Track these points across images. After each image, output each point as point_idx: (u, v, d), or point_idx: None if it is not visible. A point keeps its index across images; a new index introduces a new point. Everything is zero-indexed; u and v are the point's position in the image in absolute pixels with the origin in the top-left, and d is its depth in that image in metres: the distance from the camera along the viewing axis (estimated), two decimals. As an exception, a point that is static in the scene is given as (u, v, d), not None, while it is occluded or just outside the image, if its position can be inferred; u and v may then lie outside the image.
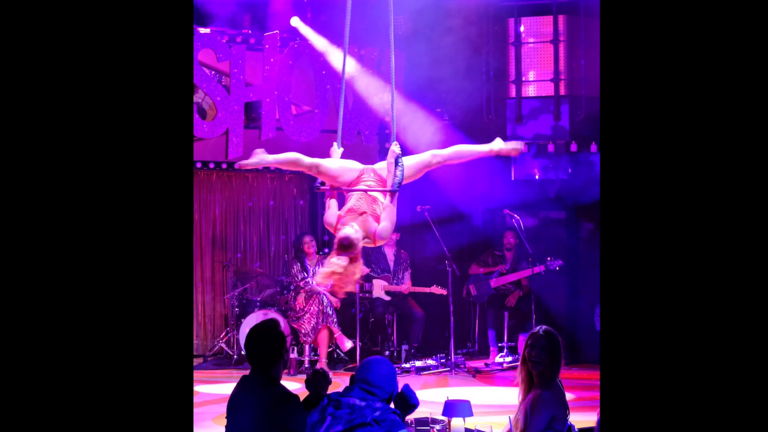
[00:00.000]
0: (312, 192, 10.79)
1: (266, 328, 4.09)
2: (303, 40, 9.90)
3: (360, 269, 4.90)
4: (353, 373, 3.77)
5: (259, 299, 9.61)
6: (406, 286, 9.71)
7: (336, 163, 5.33)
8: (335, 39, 9.88)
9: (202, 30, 9.53)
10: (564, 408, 4.11)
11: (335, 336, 9.14)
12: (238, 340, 9.36)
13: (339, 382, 7.68)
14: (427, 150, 5.38)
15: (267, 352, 3.99)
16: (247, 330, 9.22)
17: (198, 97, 9.74)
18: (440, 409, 5.18)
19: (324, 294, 9.17)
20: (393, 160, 5.04)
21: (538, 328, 4.29)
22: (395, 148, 5.09)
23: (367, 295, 9.63)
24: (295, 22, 9.86)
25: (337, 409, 3.48)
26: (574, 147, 9.97)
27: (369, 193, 5.03)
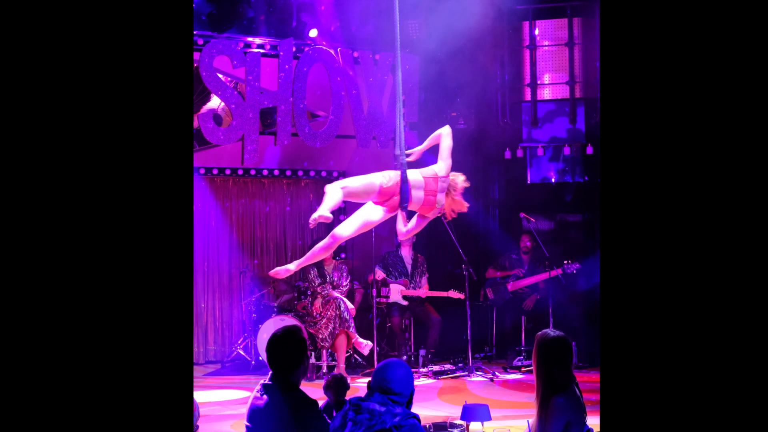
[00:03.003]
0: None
1: (288, 333, 4.11)
2: (318, 45, 9.93)
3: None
4: (370, 378, 3.77)
5: (276, 305, 9.63)
6: (423, 290, 9.71)
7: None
8: (348, 45, 9.91)
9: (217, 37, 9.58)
10: (580, 412, 4.09)
11: (353, 341, 9.15)
12: (255, 345, 9.38)
13: (357, 387, 7.69)
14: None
15: (288, 358, 4.00)
16: (265, 336, 9.25)
17: (214, 103, 9.78)
18: (459, 413, 5.18)
19: (341, 299, 9.19)
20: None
21: (540, 332, 4.25)
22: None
23: (384, 300, 9.63)
24: (314, 34, 9.88)
25: (357, 414, 3.48)
26: (590, 150, 9.95)
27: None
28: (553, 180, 10.25)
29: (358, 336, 9.12)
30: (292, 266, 5.78)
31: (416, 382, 8.69)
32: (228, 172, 10.15)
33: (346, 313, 9.11)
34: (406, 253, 9.85)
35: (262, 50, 9.71)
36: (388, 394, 3.54)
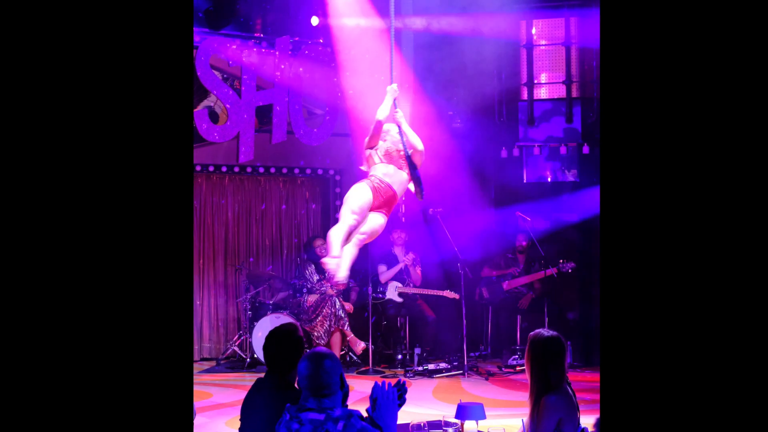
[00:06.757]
0: (324, 195, 10.83)
1: (286, 331, 4.11)
2: (315, 43, 9.92)
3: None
4: (344, 379, 3.58)
5: (271, 302, 9.63)
6: (415, 276, 9.71)
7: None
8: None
9: (214, 34, 9.57)
10: (573, 410, 4.09)
11: (348, 339, 9.16)
12: (250, 343, 9.39)
13: (353, 386, 7.70)
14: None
15: (285, 356, 4.00)
16: (260, 333, 9.24)
17: (210, 101, 9.78)
18: (453, 411, 5.19)
19: (336, 297, 9.20)
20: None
21: (533, 332, 4.24)
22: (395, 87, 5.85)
23: (379, 296, 9.64)
24: (315, 22, 9.86)
25: (301, 426, 3.34)
26: (586, 149, 9.96)
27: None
28: (549, 179, 10.26)
29: (352, 334, 9.15)
30: (342, 273, 5.54)
31: (411, 380, 8.71)
32: (224, 169, 10.15)
33: (341, 311, 9.13)
34: (399, 251, 9.87)
35: (258, 48, 9.71)
36: (319, 391, 3.39)
